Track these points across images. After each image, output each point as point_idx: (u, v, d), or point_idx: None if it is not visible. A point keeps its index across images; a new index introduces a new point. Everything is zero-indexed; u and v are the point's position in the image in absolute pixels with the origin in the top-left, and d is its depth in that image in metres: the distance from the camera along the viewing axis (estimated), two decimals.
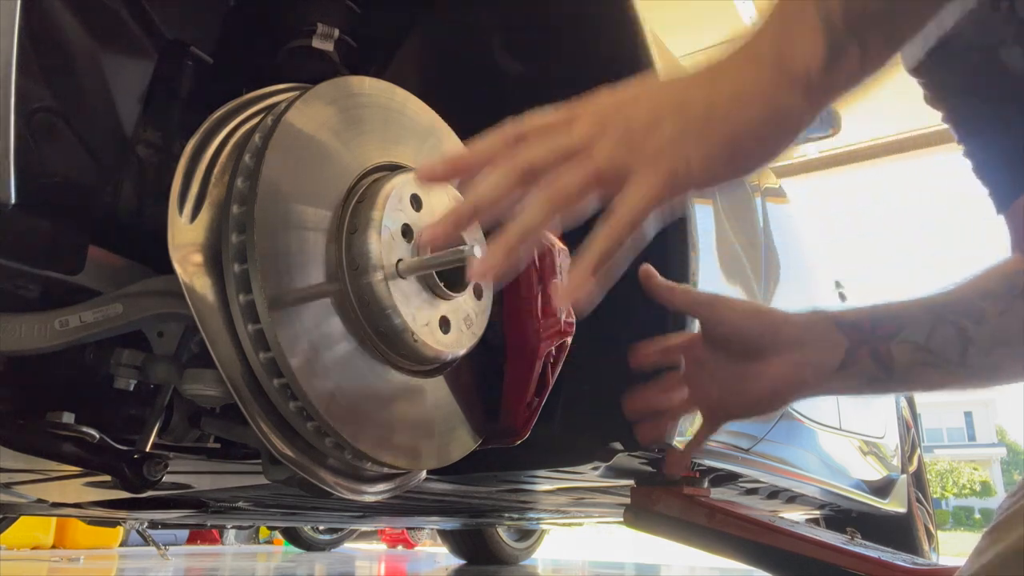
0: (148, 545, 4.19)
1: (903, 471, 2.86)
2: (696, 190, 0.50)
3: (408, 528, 6.42)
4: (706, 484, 1.39)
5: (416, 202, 0.77)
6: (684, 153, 0.48)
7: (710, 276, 1.18)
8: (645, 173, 0.48)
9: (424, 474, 0.89)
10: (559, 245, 0.91)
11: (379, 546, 7.43)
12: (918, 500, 3.09)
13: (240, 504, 1.86)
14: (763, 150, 0.48)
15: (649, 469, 1.34)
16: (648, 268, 0.84)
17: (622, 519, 1.37)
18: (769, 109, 0.46)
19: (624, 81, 0.51)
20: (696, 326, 0.84)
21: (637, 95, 0.51)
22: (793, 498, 2.17)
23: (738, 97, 0.47)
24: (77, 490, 1.35)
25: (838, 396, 0.76)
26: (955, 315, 0.71)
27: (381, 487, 0.83)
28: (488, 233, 0.89)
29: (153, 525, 3.15)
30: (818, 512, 2.80)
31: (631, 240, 0.50)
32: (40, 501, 1.59)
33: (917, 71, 0.80)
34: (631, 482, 1.37)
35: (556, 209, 0.50)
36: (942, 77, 0.79)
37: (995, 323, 0.69)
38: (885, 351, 0.71)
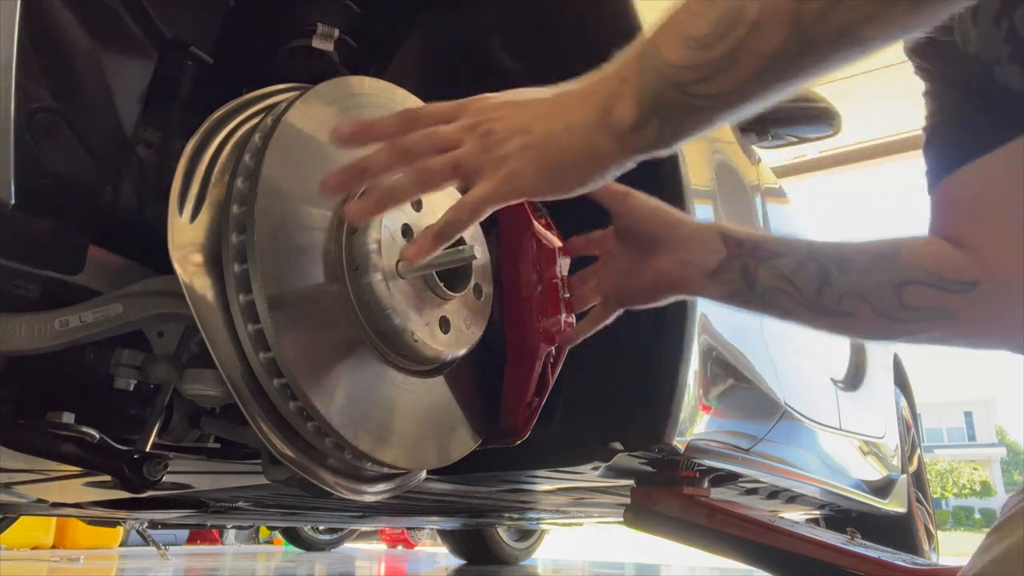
0: (148, 545, 4.19)
1: (903, 471, 2.86)
2: (528, 198, 0.61)
3: (408, 528, 6.42)
4: (706, 484, 1.39)
5: (416, 202, 0.77)
6: (521, 166, 0.59)
7: None
8: (490, 175, 0.59)
9: (424, 474, 0.89)
10: (560, 245, 0.91)
11: (379, 546, 7.43)
12: (918, 500, 3.10)
13: (240, 504, 1.86)
14: (580, 177, 0.59)
15: (649, 469, 1.34)
16: None
17: (622, 519, 1.37)
18: (588, 146, 0.57)
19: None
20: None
21: (507, 105, 0.61)
22: (793, 498, 2.17)
23: (570, 130, 0.58)
24: (77, 490, 1.35)
25: (719, 305, 0.84)
26: (825, 258, 0.76)
27: (381, 487, 0.83)
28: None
29: (153, 525, 3.15)
30: (818, 512, 2.80)
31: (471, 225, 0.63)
32: (40, 501, 1.59)
33: (915, 51, 0.82)
34: (631, 482, 1.37)
35: (419, 184, 0.62)
36: (940, 68, 0.80)
37: (856, 275, 0.75)
38: (754, 269, 0.78)
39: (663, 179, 1.05)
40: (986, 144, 0.76)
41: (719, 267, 0.79)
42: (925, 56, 0.81)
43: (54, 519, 4.92)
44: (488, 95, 0.63)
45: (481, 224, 0.86)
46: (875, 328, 0.75)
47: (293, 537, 5.13)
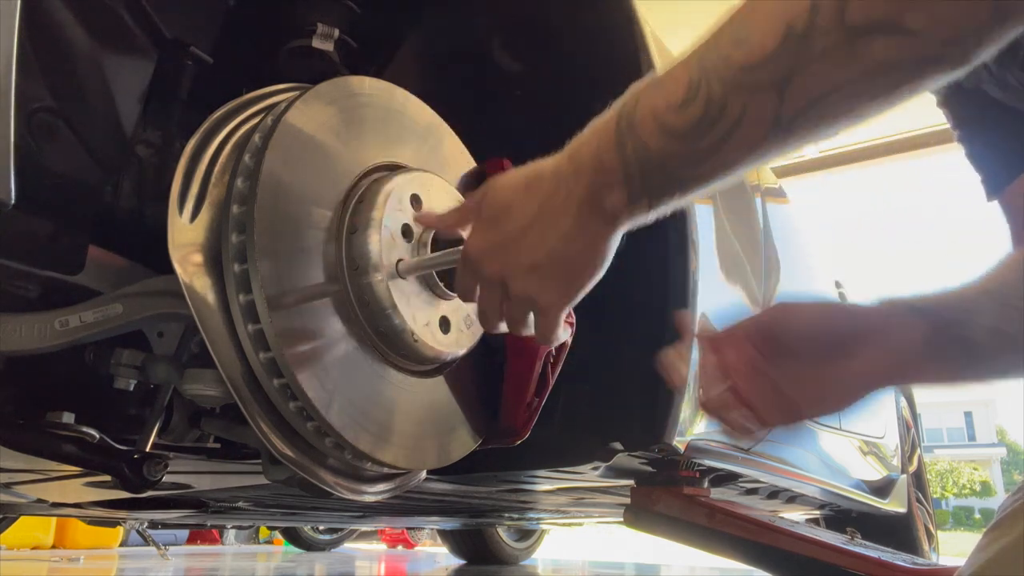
0: (148, 545, 4.19)
1: (903, 471, 2.86)
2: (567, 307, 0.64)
3: (408, 528, 6.42)
4: (706, 484, 1.39)
5: (416, 202, 0.77)
6: (549, 297, 0.63)
7: (710, 276, 1.18)
8: (545, 305, 0.64)
9: (424, 474, 0.89)
10: None
11: (379, 546, 7.43)
12: (918, 500, 3.09)
13: (240, 504, 1.86)
14: (593, 269, 0.62)
15: (649, 469, 1.34)
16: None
17: (622, 519, 1.36)
18: (588, 242, 0.60)
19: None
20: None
21: (501, 250, 0.63)
22: (793, 498, 2.17)
23: (568, 239, 0.60)
24: (77, 490, 1.35)
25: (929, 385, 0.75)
26: (1011, 298, 0.70)
27: (381, 487, 0.83)
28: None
29: (153, 525, 3.15)
30: (818, 512, 2.80)
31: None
32: (40, 501, 1.59)
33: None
34: (631, 482, 1.37)
35: (489, 322, 0.67)
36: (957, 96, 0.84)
37: None
38: (965, 335, 0.70)
39: None
40: None
41: (929, 344, 0.70)
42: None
43: (54, 519, 4.92)
44: (472, 239, 0.65)
45: None
46: None
47: (293, 537, 5.13)
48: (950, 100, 0.86)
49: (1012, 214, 0.82)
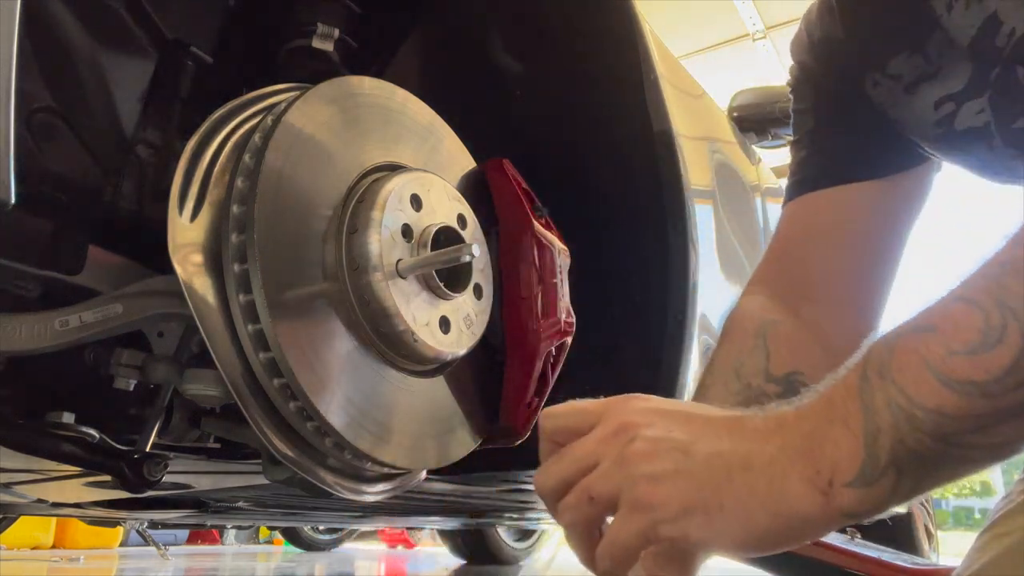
0: (148, 545, 4.19)
1: None
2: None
3: (408, 528, 6.42)
4: None
5: (416, 202, 0.77)
6: (711, 535, 0.45)
7: (710, 276, 1.18)
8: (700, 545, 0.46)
9: (424, 474, 0.89)
10: (559, 245, 0.91)
11: (379, 546, 7.43)
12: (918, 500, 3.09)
13: (240, 504, 1.86)
14: (773, 546, 0.46)
15: None
16: None
17: None
18: (784, 507, 0.43)
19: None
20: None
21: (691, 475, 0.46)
22: None
23: (775, 508, 0.43)
24: (77, 490, 1.35)
25: None
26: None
27: (381, 487, 0.83)
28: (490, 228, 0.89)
29: (153, 525, 3.15)
30: None
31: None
32: (40, 501, 1.59)
33: (799, 89, 0.85)
34: None
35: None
36: (823, 101, 0.82)
37: None
38: None
39: (663, 179, 1.05)
40: (849, 174, 0.77)
41: None
42: (811, 88, 0.82)
43: (54, 519, 4.92)
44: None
45: (481, 224, 0.86)
46: None
47: (293, 537, 5.13)
48: (824, 92, 0.82)
49: (779, 224, 0.83)
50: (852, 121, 0.78)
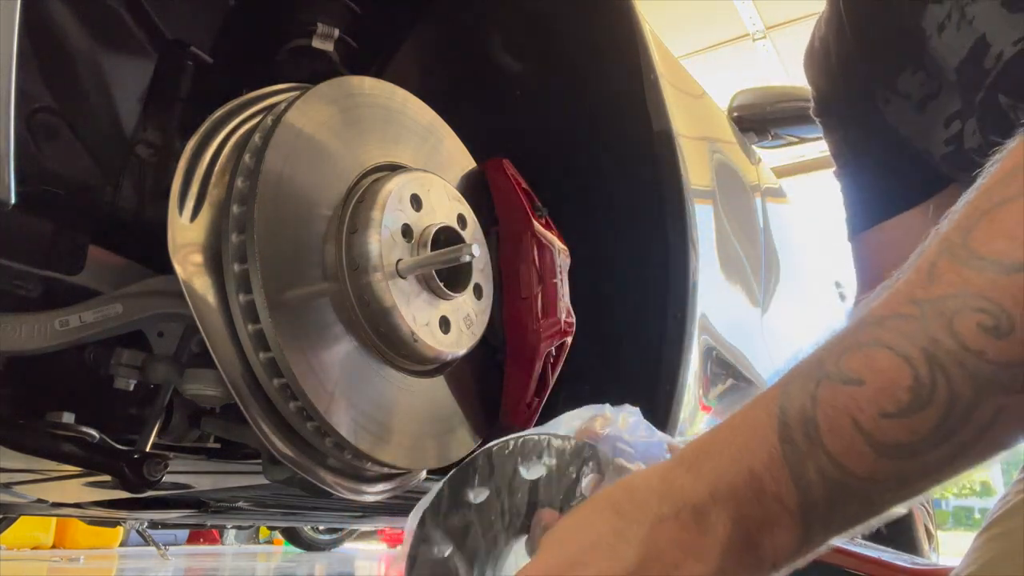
0: (148, 545, 4.19)
1: None
2: None
3: None
4: None
5: (416, 202, 0.77)
6: None
7: (710, 276, 1.18)
8: None
9: (424, 474, 0.89)
10: (559, 245, 0.91)
11: (379, 546, 7.43)
12: None
13: (240, 504, 1.86)
14: None
15: None
16: None
17: None
18: None
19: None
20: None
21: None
22: None
23: None
24: (77, 490, 1.35)
25: None
26: None
27: (381, 487, 0.83)
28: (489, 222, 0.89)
29: (153, 525, 3.15)
30: None
31: None
32: (40, 501, 1.59)
33: (822, 113, 0.86)
34: None
35: None
36: (851, 129, 0.83)
37: None
38: None
39: (663, 179, 1.05)
40: (904, 203, 0.78)
41: None
42: (834, 116, 0.83)
43: (54, 519, 4.92)
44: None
45: (481, 224, 0.86)
46: None
47: (293, 537, 5.13)
48: (847, 119, 0.84)
49: (860, 258, 0.85)
50: (877, 147, 0.80)
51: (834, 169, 0.88)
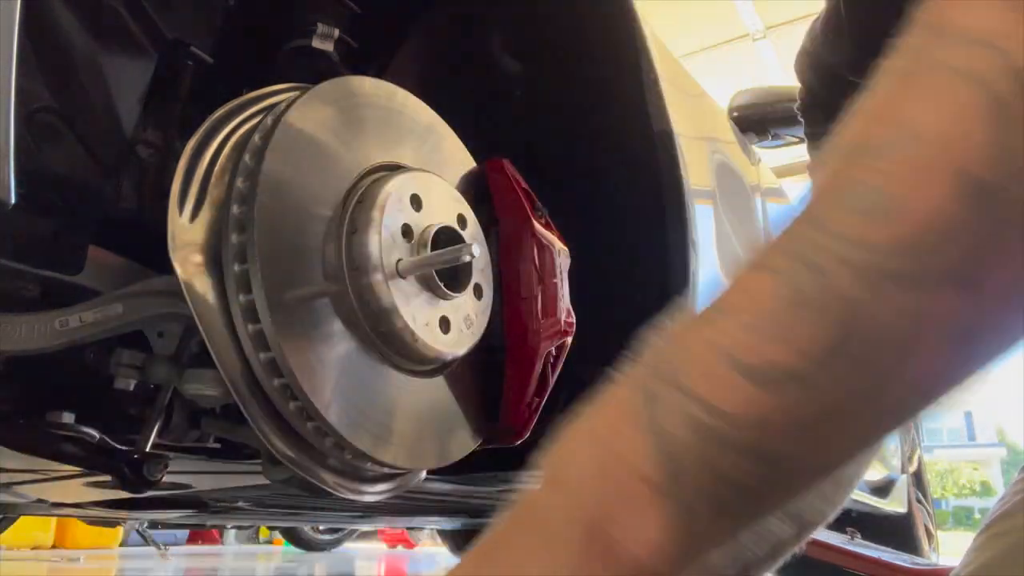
0: (148, 545, 4.19)
1: (903, 471, 2.86)
2: None
3: (408, 528, 6.43)
4: None
5: (416, 202, 0.77)
6: None
7: (710, 276, 1.18)
8: None
9: (424, 474, 0.89)
10: (559, 245, 0.91)
11: (379, 546, 7.43)
12: (918, 500, 3.09)
13: (240, 504, 1.86)
14: None
15: None
16: None
17: None
18: None
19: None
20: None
21: None
22: None
23: None
24: (77, 490, 1.35)
25: None
26: None
27: (381, 487, 0.83)
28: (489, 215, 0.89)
29: (153, 525, 3.15)
30: None
31: None
32: (40, 501, 1.59)
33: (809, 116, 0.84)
34: None
35: None
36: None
37: None
38: None
39: (663, 179, 1.05)
40: None
41: None
42: (820, 114, 0.83)
43: (54, 519, 4.92)
44: None
45: (481, 224, 0.86)
46: None
47: (293, 537, 5.13)
48: (837, 119, 0.84)
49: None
50: None
51: (791, 139, 0.87)
